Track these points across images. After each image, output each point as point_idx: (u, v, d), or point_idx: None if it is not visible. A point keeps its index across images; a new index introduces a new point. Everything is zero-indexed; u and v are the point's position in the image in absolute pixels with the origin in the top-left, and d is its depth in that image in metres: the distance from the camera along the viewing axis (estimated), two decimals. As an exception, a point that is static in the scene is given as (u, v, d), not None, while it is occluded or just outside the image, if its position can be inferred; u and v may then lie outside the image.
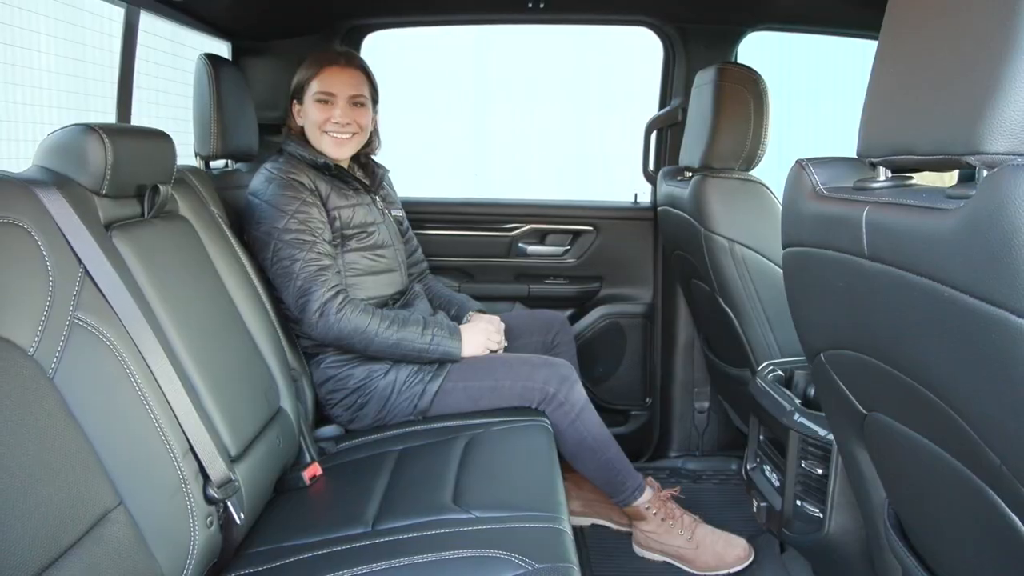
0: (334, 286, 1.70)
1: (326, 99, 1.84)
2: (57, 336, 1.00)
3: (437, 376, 1.78)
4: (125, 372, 1.07)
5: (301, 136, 1.88)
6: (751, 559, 1.87)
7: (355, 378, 1.78)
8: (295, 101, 1.89)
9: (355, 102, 1.85)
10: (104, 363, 1.05)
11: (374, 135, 1.99)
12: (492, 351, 1.85)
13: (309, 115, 1.85)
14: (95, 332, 1.05)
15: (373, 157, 2.03)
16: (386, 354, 1.74)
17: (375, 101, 1.94)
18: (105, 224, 1.18)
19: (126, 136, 1.25)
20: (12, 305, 0.95)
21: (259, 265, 1.72)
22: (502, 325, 1.91)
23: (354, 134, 1.86)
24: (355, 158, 1.97)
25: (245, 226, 1.77)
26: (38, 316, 0.98)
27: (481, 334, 1.83)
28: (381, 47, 2.54)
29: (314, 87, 1.84)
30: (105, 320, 1.07)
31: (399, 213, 2.06)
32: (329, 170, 1.84)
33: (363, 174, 1.97)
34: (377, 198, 1.95)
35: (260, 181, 1.77)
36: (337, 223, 1.80)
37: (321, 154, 1.85)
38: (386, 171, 2.05)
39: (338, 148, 1.86)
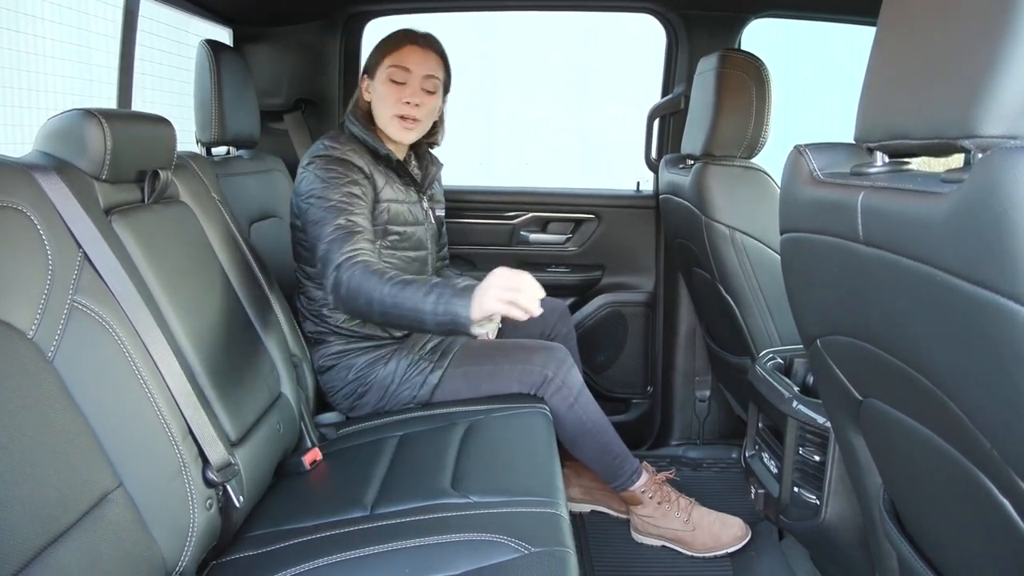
0: (356, 248, 1.54)
1: (400, 78, 1.77)
2: (56, 320, 1.00)
3: (438, 367, 1.78)
4: (124, 356, 1.08)
5: (368, 116, 1.81)
6: (748, 538, 1.89)
7: (355, 368, 1.78)
8: (366, 76, 1.83)
9: (427, 86, 1.79)
10: (103, 347, 1.06)
11: (439, 125, 1.93)
12: (515, 310, 1.40)
13: (379, 94, 1.78)
14: (94, 316, 1.05)
15: (431, 150, 1.97)
16: (397, 321, 1.50)
17: (446, 90, 1.87)
18: (105, 209, 1.19)
19: (126, 121, 1.25)
20: (11, 289, 0.95)
21: (257, 252, 1.72)
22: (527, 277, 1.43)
23: (418, 120, 1.79)
24: (414, 147, 1.91)
25: (294, 195, 1.73)
26: (37, 300, 0.98)
27: (490, 290, 1.40)
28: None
29: (388, 63, 1.78)
30: (104, 304, 1.08)
31: (441, 213, 2.01)
32: (389, 162, 1.80)
33: (417, 166, 1.92)
34: (425, 198, 1.91)
35: (313, 154, 1.72)
36: (385, 216, 1.75)
37: (383, 141, 1.79)
38: (441, 166, 1.98)
39: (404, 133, 1.78)
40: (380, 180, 1.76)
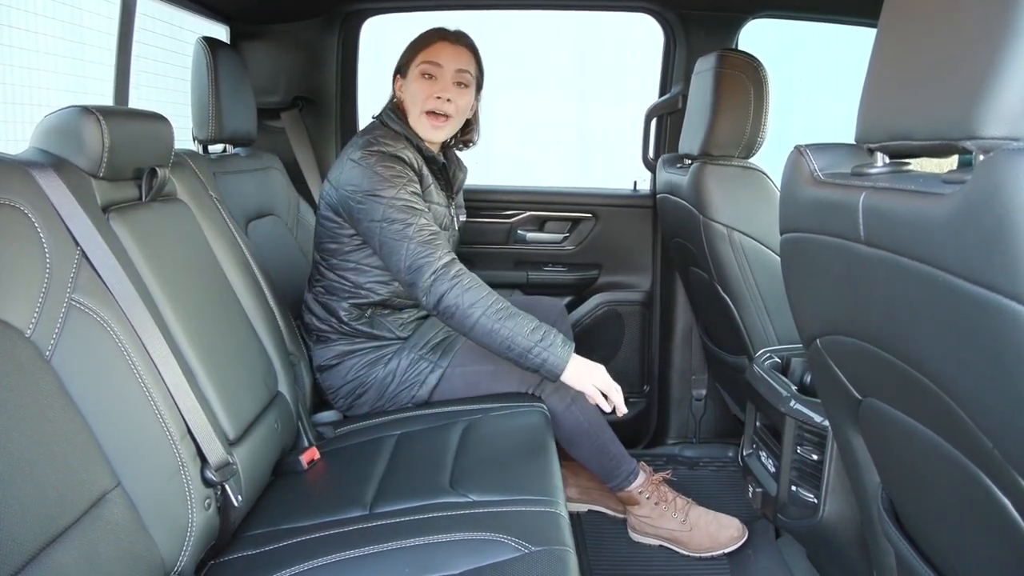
0: (448, 252, 1.63)
1: (431, 72, 1.77)
2: (54, 318, 1.00)
3: (438, 367, 1.77)
4: (122, 355, 1.08)
5: (405, 116, 1.80)
6: (744, 538, 1.89)
7: (355, 367, 1.78)
8: (398, 76, 1.83)
9: (459, 80, 1.79)
10: (101, 345, 1.05)
11: (473, 124, 1.93)
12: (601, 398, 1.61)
13: (411, 91, 1.78)
14: (92, 314, 1.05)
15: (459, 155, 1.97)
16: (485, 340, 1.59)
17: (479, 87, 1.87)
18: (103, 207, 1.18)
19: (123, 118, 1.24)
20: (9, 287, 0.95)
21: (254, 250, 1.71)
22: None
23: (450, 116, 1.78)
24: (444, 149, 1.90)
25: (336, 189, 1.70)
26: (35, 298, 0.98)
27: (590, 371, 1.60)
28: (380, 33, 2.53)
29: (420, 59, 1.78)
30: (102, 303, 1.07)
31: (463, 219, 2.01)
32: (436, 163, 1.80)
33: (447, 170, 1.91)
34: (452, 203, 1.91)
35: (364, 148, 1.70)
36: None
37: (421, 139, 1.79)
38: (466, 171, 1.98)
39: (434, 131, 1.78)
40: (428, 179, 1.77)
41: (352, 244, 1.74)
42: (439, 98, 1.76)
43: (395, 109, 1.82)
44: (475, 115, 1.91)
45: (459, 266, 1.63)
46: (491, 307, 1.59)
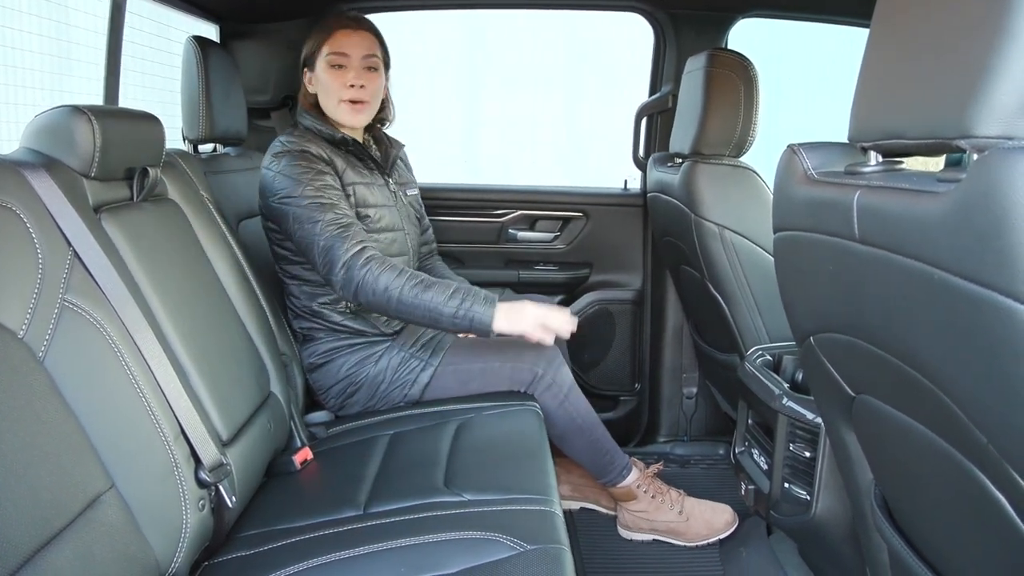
0: (358, 242, 1.63)
1: (340, 63, 1.77)
2: (47, 319, 0.99)
3: (429, 365, 1.77)
4: (116, 355, 1.07)
5: (315, 108, 1.82)
6: (737, 522, 1.93)
7: (345, 366, 1.78)
8: (306, 69, 1.83)
9: (368, 65, 1.79)
10: (94, 346, 1.05)
11: (387, 104, 1.93)
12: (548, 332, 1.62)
13: (323, 83, 1.79)
14: (85, 315, 1.04)
15: (386, 131, 1.97)
16: (411, 317, 1.63)
17: (387, 66, 1.88)
18: (94, 207, 1.17)
19: (115, 118, 1.23)
20: (2, 288, 0.94)
21: (246, 250, 1.71)
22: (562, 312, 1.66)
23: (367, 101, 1.80)
24: (370, 130, 1.93)
25: (261, 198, 1.73)
26: (28, 299, 0.97)
27: (520, 314, 1.61)
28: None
29: (326, 51, 1.78)
30: (95, 303, 1.06)
31: (414, 192, 2.01)
32: (347, 145, 1.80)
33: (377, 150, 1.92)
34: (391, 180, 1.91)
35: (273, 153, 1.73)
36: (352, 199, 1.75)
37: (337, 127, 1.80)
38: (402, 147, 1.99)
39: (354, 116, 1.79)
40: (340, 164, 1.76)
41: (294, 247, 1.74)
42: (353, 86, 1.77)
43: (310, 105, 1.83)
44: (387, 95, 1.92)
45: (369, 253, 1.63)
46: (405, 284, 1.60)
